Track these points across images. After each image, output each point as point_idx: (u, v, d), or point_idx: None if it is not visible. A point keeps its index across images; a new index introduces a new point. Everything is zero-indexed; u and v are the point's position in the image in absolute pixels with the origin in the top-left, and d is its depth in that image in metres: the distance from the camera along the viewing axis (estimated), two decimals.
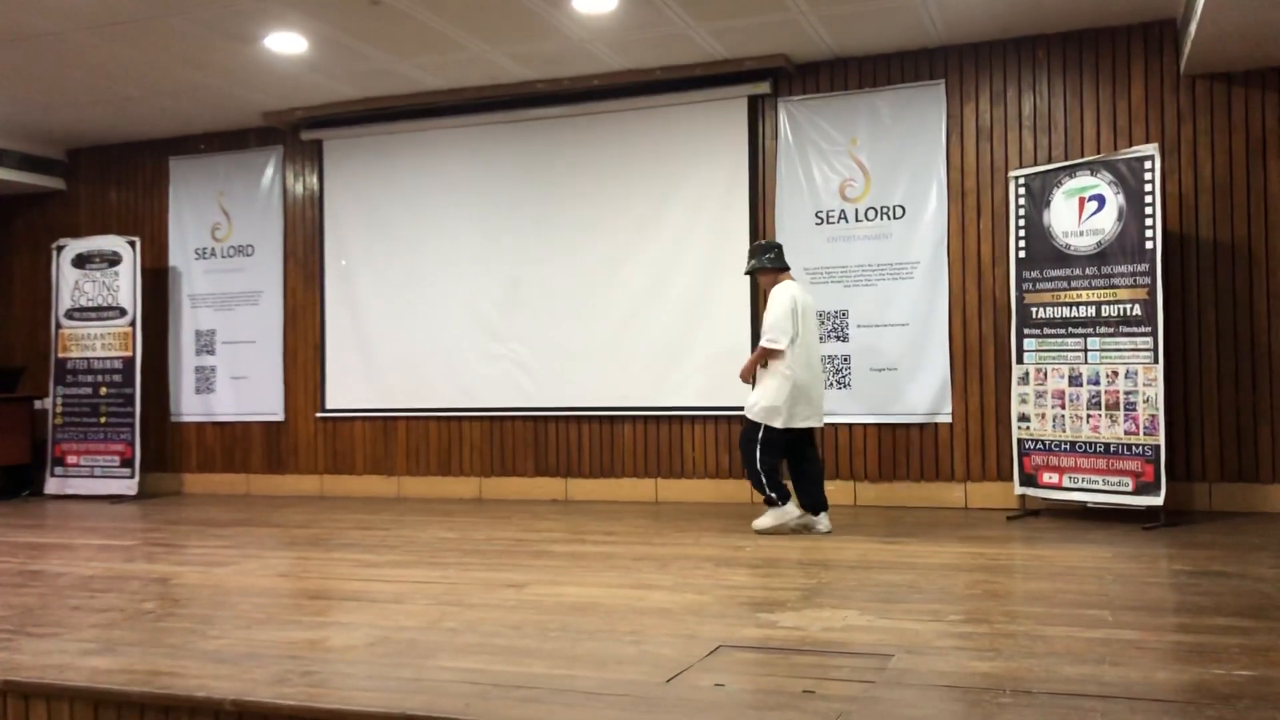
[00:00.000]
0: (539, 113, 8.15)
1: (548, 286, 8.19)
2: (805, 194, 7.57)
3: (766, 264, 6.37)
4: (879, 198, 7.40)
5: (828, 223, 7.51)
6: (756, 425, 6.20)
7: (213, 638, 3.89)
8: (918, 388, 7.28)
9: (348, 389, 8.78)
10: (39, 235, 9.81)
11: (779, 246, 6.45)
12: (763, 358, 6.24)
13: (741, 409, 7.51)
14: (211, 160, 9.26)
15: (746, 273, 6.56)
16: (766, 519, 6.24)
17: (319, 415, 8.86)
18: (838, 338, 7.47)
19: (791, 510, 6.21)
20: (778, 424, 6.13)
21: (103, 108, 8.43)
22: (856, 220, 7.44)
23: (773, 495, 6.19)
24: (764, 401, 6.17)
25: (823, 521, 6.23)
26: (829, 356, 7.43)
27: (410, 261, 8.59)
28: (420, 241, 8.57)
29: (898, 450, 7.35)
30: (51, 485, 9.12)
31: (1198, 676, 3.18)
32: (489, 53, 7.22)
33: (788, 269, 6.44)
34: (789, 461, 6.33)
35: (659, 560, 5.45)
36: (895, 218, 7.36)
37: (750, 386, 6.35)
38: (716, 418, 7.74)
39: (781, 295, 6.20)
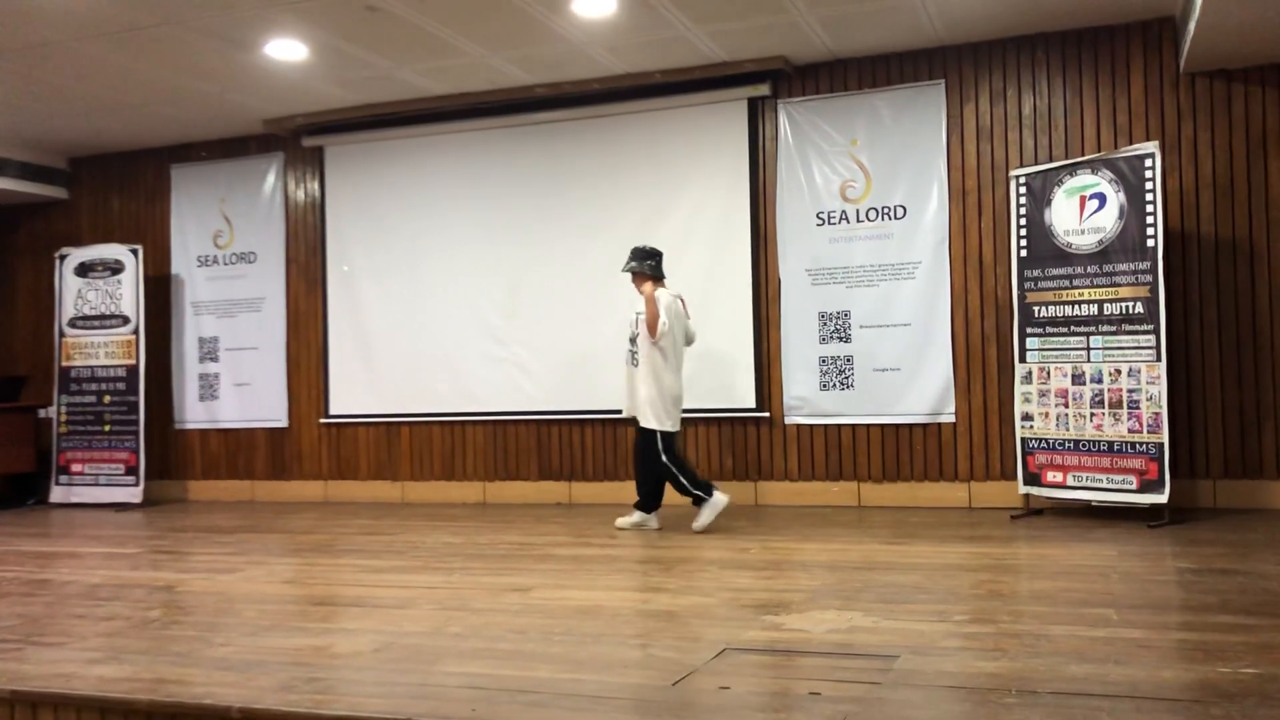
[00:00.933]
0: (539, 117, 8.16)
1: (550, 290, 8.20)
2: (806, 195, 7.57)
3: (647, 270, 6.60)
4: (880, 198, 7.40)
5: (829, 223, 7.51)
6: (653, 435, 6.46)
7: (218, 645, 3.90)
8: (921, 388, 7.28)
9: (351, 394, 8.79)
10: (41, 244, 9.83)
11: (660, 255, 6.68)
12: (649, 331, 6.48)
13: (745, 410, 7.61)
14: (213, 168, 9.28)
15: (624, 270, 6.69)
16: (705, 515, 6.43)
17: (322, 421, 8.87)
18: (840, 339, 7.47)
19: (722, 499, 6.45)
20: (671, 427, 6.47)
21: (104, 116, 8.44)
22: (858, 221, 7.45)
23: (698, 493, 6.45)
24: (653, 408, 6.45)
25: (653, 520, 6.62)
26: (832, 357, 7.45)
27: (412, 266, 8.60)
28: (422, 246, 8.57)
29: (901, 450, 7.34)
30: (56, 494, 9.13)
31: (1203, 675, 3.17)
32: (488, 58, 7.23)
33: (663, 278, 6.66)
34: (642, 459, 6.58)
35: (663, 563, 5.46)
36: (896, 218, 7.36)
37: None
38: (719, 419, 7.74)
39: (661, 297, 6.47)
